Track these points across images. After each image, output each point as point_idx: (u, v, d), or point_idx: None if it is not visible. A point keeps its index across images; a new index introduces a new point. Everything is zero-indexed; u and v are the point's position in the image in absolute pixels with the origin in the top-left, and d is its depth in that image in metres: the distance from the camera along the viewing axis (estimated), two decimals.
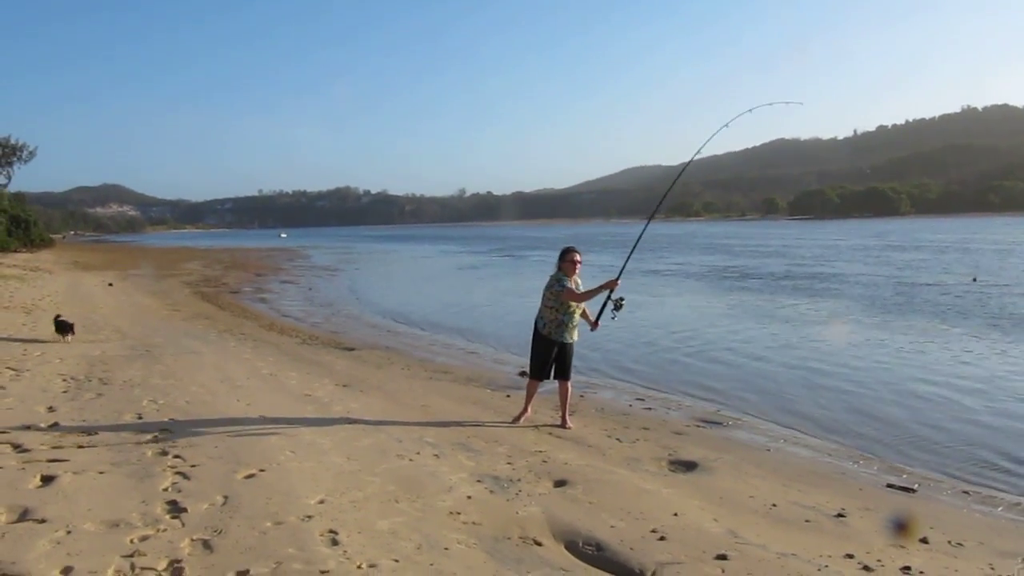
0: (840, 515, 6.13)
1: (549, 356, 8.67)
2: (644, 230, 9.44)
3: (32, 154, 45.75)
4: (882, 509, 6.39)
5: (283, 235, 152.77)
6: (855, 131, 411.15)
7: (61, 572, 4.22)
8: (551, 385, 9.02)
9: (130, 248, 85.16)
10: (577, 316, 8.69)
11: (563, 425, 8.72)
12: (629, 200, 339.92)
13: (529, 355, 8.91)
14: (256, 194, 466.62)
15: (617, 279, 8.44)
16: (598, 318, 8.59)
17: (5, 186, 41.98)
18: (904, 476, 7.51)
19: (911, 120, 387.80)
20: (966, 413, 9.87)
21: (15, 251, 43.17)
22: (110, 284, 29.31)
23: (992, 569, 5.16)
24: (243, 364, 12.04)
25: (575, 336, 8.77)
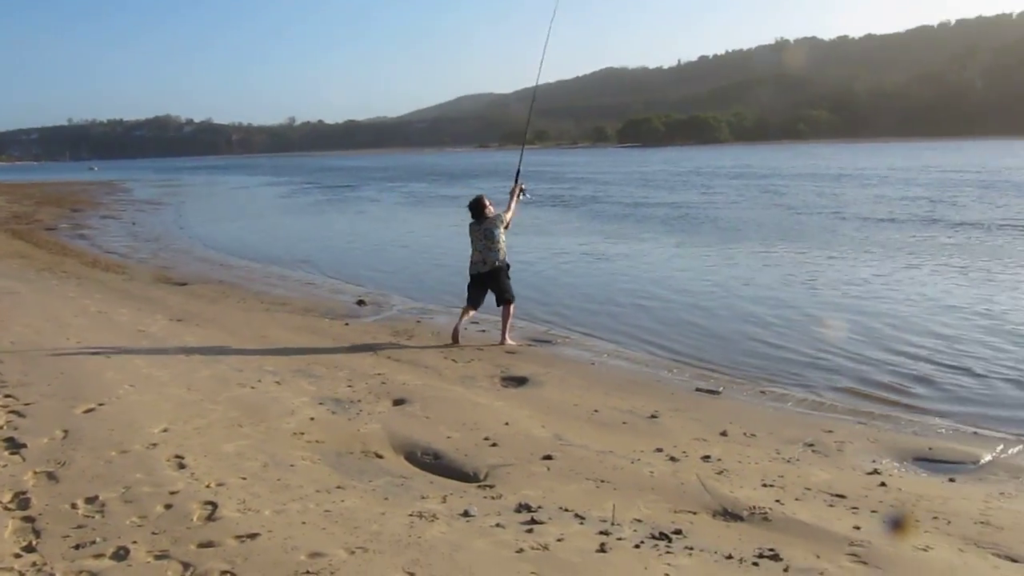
0: (653, 416, 6.84)
1: None
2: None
3: None
4: (691, 409, 7.15)
5: (94, 168, 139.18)
6: (679, 61, 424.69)
7: None
8: (389, 312, 9.38)
9: None
10: None
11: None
12: (463, 128, 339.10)
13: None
14: (65, 123, 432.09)
15: (517, 179, 10.13)
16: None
17: None
18: (711, 380, 8.34)
19: (730, 51, 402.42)
20: (763, 320, 11.03)
21: None
22: None
23: (778, 454, 5.96)
24: (69, 302, 11.64)
25: None
